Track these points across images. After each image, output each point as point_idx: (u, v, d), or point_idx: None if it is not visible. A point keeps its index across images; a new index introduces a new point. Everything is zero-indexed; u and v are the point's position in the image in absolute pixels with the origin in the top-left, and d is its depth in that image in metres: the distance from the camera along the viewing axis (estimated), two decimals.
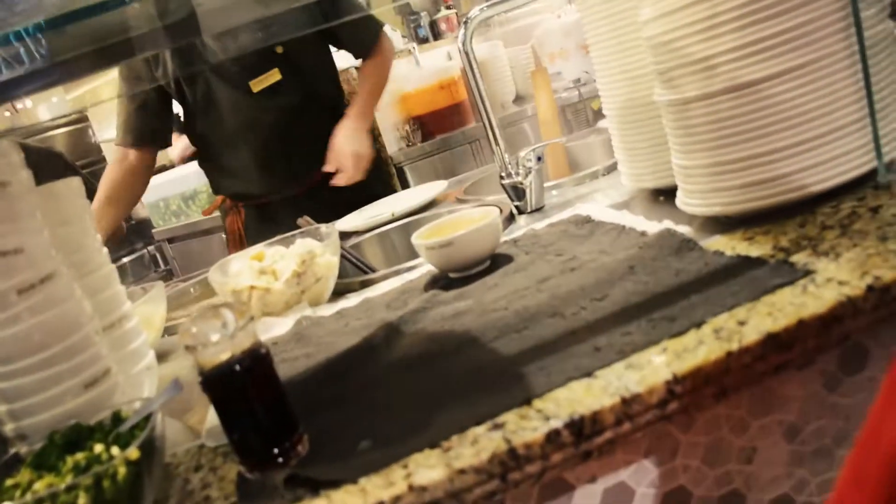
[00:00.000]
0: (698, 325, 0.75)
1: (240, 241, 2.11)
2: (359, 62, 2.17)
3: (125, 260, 3.72)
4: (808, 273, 0.77)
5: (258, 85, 1.94)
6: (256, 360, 0.72)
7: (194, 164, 3.23)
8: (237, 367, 0.71)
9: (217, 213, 2.26)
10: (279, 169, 2.01)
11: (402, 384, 0.83)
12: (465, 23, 1.42)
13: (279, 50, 1.92)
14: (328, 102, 2.07)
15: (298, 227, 1.71)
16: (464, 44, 1.41)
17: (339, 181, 1.90)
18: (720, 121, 0.92)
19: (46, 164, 2.52)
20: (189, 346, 0.71)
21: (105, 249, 1.02)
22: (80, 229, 0.98)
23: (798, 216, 0.92)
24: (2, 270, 0.79)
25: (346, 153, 1.90)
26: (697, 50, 0.91)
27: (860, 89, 0.90)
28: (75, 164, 2.60)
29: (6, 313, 0.79)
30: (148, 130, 2.01)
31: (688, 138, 0.97)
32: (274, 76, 1.94)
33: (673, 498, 0.79)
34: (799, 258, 0.81)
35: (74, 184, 0.99)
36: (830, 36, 0.88)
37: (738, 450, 0.80)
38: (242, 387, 0.72)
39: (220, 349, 0.71)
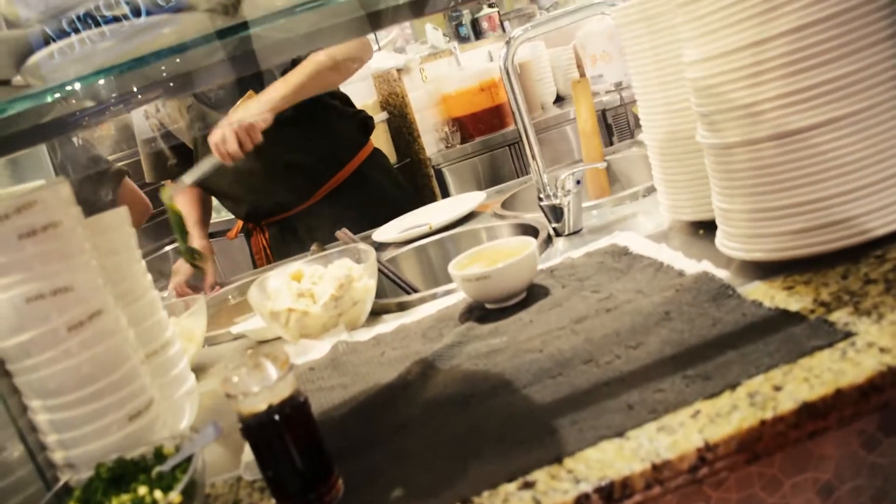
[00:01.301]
0: (733, 386, 0.74)
1: (267, 260, 2.16)
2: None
3: (168, 248, 3.81)
4: (848, 335, 0.76)
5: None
6: (294, 409, 0.74)
7: None
8: (276, 417, 0.73)
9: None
10: (289, 184, 2.03)
11: (435, 428, 0.84)
12: (508, 42, 1.42)
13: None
14: (325, 105, 2.05)
15: (316, 243, 1.74)
16: (505, 62, 1.41)
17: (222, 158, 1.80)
18: (763, 167, 0.91)
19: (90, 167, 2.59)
20: (230, 395, 0.73)
21: (149, 276, 1.05)
22: (127, 259, 1.01)
23: (840, 266, 0.91)
24: (53, 308, 0.82)
25: (222, 124, 1.80)
26: (742, 96, 0.90)
27: None
28: (112, 164, 2.66)
29: (57, 349, 0.83)
30: (166, 169, 2.09)
31: (729, 182, 0.96)
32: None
33: None
34: (839, 316, 0.80)
35: (122, 213, 1.02)
36: (880, 84, 0.87)
37: None
38: (280, 434, 0.74)
39: (260, 399, 0.73)
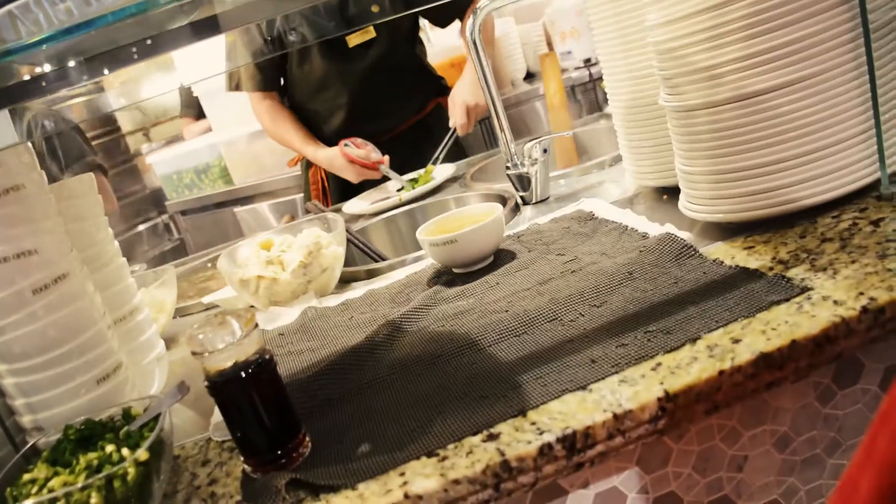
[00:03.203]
0: (693, 340, 0.76)
1: (323, 192, 2.26)
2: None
3: (141, 228, 3.79)
4: (804, 290, 0.78)
5: (355, 39, 2.09)
6: (260, 366, 0.75)
7: (207, 138, 3.25)
8: (242, 374, 0.73)
9: (241, 185, 2.33)
10: (366, 116, 2.15)
11: (402, 386, 0.85)
12: (475, 13, 1.42)
13: (375, 9, 1.99)
14: (414, 60, 2.24)
15: (289, 215, 1.77)
16: (471, 33, 1.41)
17: (459, 131, 2.07)
18: (724, 129, 0.93)
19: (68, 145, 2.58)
20: (196, 353, 0.73)
21: (116, 243, 1.05)
22: (94, 224, 1.00)
23: (799, 225, 0.93)
24: (18, 271, 0.82)
25: (458, 103, 2.05)
26: (702, 59, 0.91)
27: (866, 101, 0.90)
28: (90, 142, 2.64)
29: (22, 312, 0.82)
30: (263, 78, 2.19)
31: (691, 145, 0.97)
32: (369, 33, 2.09)
33: (664, 503, 0.82)
34: (797, 272, 0.83)
35: (87, 180, 1.01)
36: (838, 47, 0.88)
37: (730, 458, 0.82)
38: (247, 391, 0.75)
39: (226, 356, 0.73)
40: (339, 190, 2.22)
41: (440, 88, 2.34)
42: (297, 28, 1.99)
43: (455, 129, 2.07)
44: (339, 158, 2.04)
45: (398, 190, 1.91)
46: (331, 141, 2.15)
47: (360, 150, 2.01)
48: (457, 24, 3.27)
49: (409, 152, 2.10)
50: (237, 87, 2.26)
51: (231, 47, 2.07)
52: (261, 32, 2.02)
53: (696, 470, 0.81)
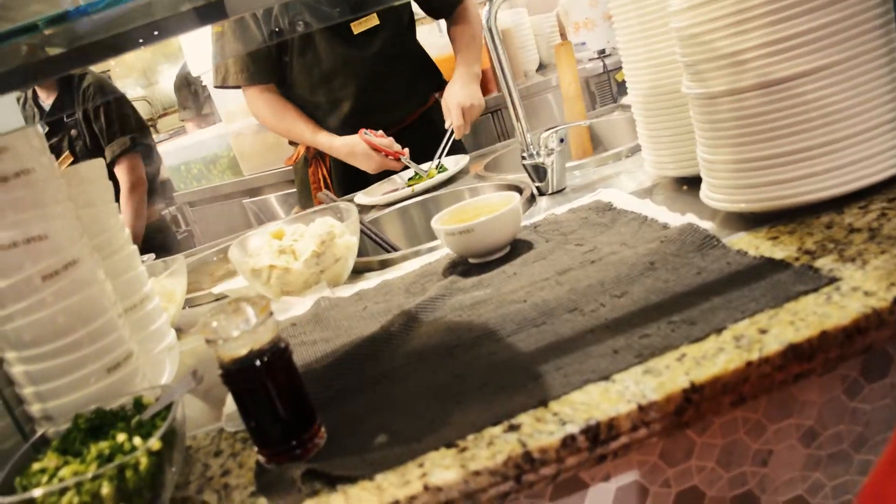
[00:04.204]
0: (718, 330, 0.74)
1: (326, 188, 2.17)
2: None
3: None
4: (833, 280, 0.76)
5: (359, 27, 2.05)
6: (276, 355, 0.73)
7: (215, 129, 3.24)
8: (256, 362, 0.72)
9: (250, 176, 2.30)
10: (373, 107, 2.09)
11: (418, 377, 0.84)
12: (491, 1, 1.40)
13: None
14: (418, 49, 2.23)
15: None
16: (488, 21, 1.39)
17: (457, 133, 2.01)
18: (748, 117, 0.90)
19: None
20: (209, 341, 0.71)
21: (128, 230, 1.03)
22: (105, 211, 0.99)
23: (825, 216, 0.91)
24: (27, 256, 0.80)
25: (452, 105, 2.00)
26: (726, 45, 0.89)
27: (895, 89, 0.88)
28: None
29: (31, 299, 0.81)
30: (258, 70, 2.11)
31: (714, 133, 0.95)
32: (373, 20, 2.06)
33: (686, 497, 0.80)
34: (824, 263, 0.80)
35: (98, 165, 1.00)
36: (867, 33, 0.86)
37: (754, 452, 0.80)
38: (261, 380, 0.73)
39: (240, 344, 0.71)
40: (343, 188, 2.14)
41: (441, 82, 2.29)
42: (298, 15, 1.98)
43: (452, 132, 2.00)
44: (360, 145, 1.96)
45: (409, 179, 1.89)
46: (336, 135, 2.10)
47: (383, 139, 1.96)
48: None
49: (415, 145, 2.04)
50: (224, 82, 2.15)
51: (219, 38, 2.04)
52: (256, 20, 1.98)
53: (719, 464, 0.80)
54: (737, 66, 0.89)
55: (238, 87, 2.15)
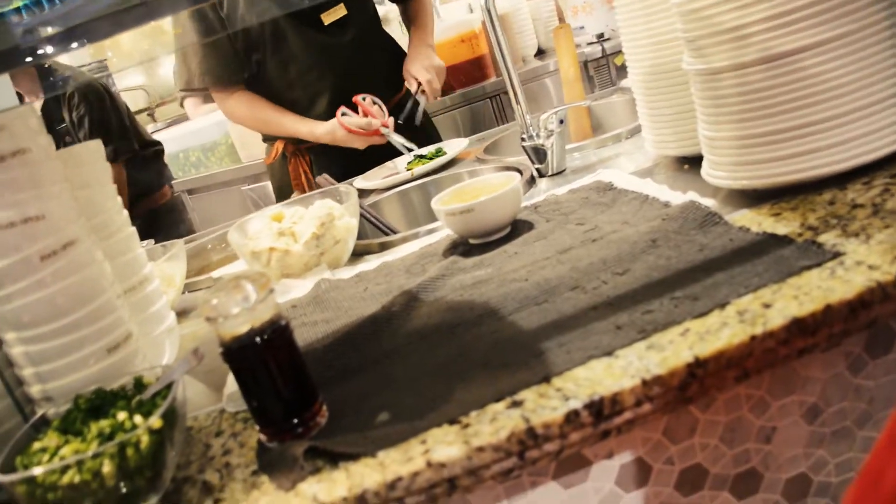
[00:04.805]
0: (722, 305, 0.74)
1: (308, 185, 2.13)
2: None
3: None
4: (836, 255, 0.76)
5: (329, 17, 2.02)
6: (276, 332, 0.73)
7: (214, 116, 3.22)
8: (257, 340, 0.71)
9: (249, 162, 2.27)
10: (349, 100, 2.03)
11: (420, 355, 0.83)
12: None
13: None
14: (387, 40, 2.22)
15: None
16: (486, 2, 1.38)
17: (430, 94, 2.03)
18: (751, 92, 0.90)
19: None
20: (210, 318, 0.71)
21: (125, 212, 1.03)
22: (101, 192, 0.98)
23: (828, 192, 0.90)
24: (25, 237, 0.80)
25: (421, 68, 2.02)
26: (729, 19, 0.88)
27: None
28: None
29: (30, 279, 0.80)
30: (229, 72, 2.04)
31: (716, 109, 0.94)
32: (341, 10, 2.03)
33: (689, 475, 0.80)
34: (827, 238, 0.80)
35: (94, 146, 0.99)
36: (871, 6, 0.85)
37: (758, 429, 0.80)
38: (262, 358, 0.73)
39: (241, 321, 0.71)
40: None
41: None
42: (265, 9, 1.93)
43: (416, 96, 1.98)
44: (339, 130, 1.94)
45: (409, 163, 1.88)
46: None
47: (358, 119, 1.93)
48: (462, 0, 3.23)
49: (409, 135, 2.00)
50: (188, 85, 2.07)
51: (180, 39, 1.97)
52: (219, 17, 1.92)
53: (723, 441, 0.79)
54: (739, 41, 0.88)
55: (205, 89, 2.08)
